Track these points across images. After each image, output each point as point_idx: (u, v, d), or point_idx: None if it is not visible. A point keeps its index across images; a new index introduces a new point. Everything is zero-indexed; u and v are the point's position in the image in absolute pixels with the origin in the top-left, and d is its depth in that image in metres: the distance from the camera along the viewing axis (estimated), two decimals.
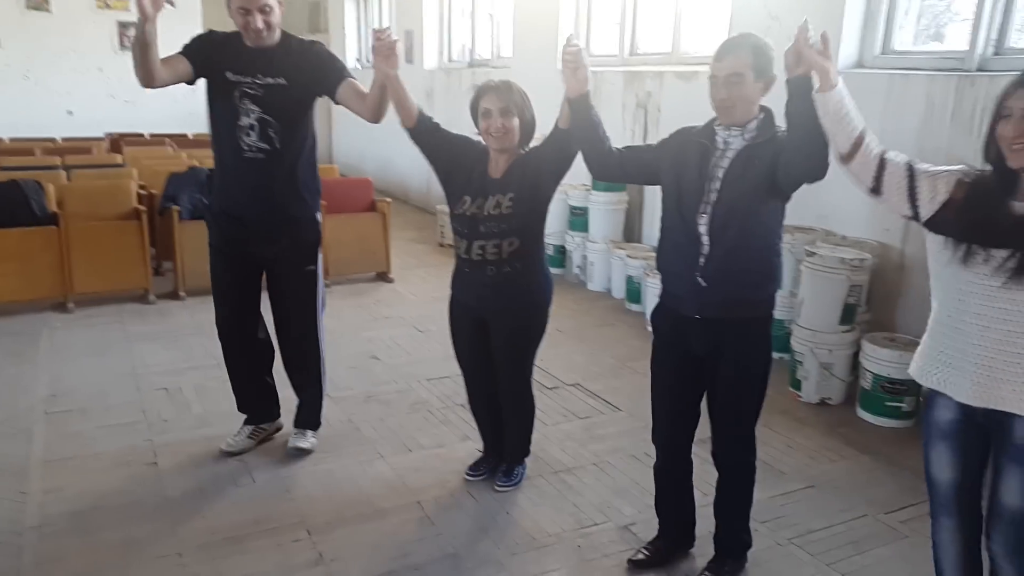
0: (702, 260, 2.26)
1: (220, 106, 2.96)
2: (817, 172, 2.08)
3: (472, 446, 3.38)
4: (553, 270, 6.58)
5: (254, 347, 3.31)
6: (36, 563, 2.57)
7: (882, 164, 1.92)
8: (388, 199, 6.26)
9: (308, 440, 3.35)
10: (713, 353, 2.34)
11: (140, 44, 2.70)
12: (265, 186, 2.99)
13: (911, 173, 1.90)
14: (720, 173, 2.24)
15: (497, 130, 2.69)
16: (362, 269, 6.09)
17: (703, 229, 2.25)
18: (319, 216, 3.19)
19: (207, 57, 2.93)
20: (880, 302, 4.13)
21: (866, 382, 3.76)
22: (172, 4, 10.82)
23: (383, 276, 6.08)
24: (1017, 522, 1.88)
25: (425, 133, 2.81)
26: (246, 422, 3.37)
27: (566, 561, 2.66)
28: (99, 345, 4.53)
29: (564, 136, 2.61)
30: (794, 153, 2.09)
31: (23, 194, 5.06)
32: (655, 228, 4.30)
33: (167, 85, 2.87)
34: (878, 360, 3.69)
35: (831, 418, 3.82)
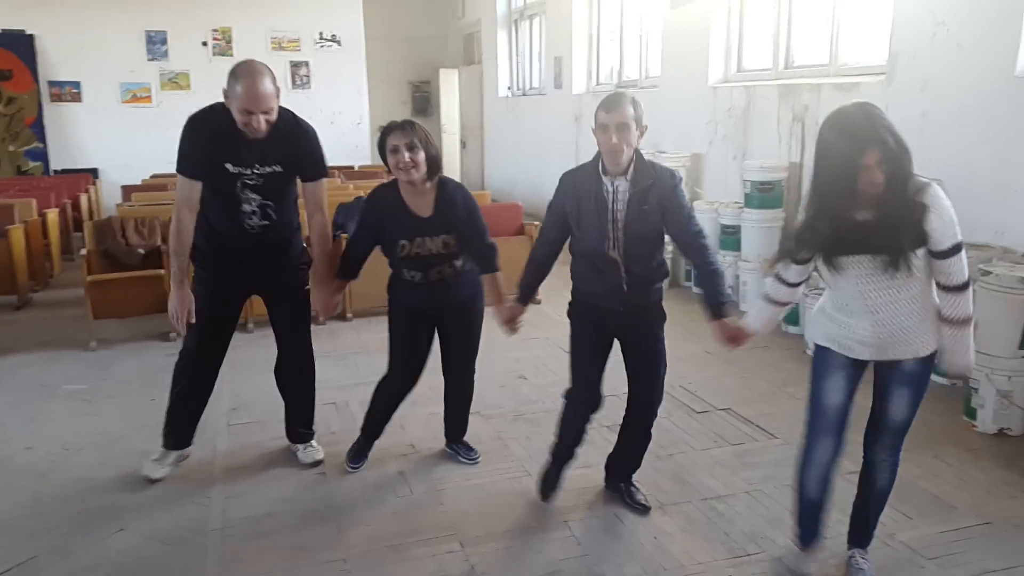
0: (624, 274, 2.77)
1: (222, 194, 3.11)
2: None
3: None
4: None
5: (213, 378, 3.47)
6: (218, 563, 2.83)
7: (771, 299, 2.62)
8: (536, 222, 6.39)
9: (320, 451, 3.58)
10: (627, 331, 2.91)
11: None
12: (268, 248, 3.23)
13: (779, 276, 2.55)
14: (620, 216, 2.72)
15: (405, 164, 2.96)
16: (510, 291, 6.21)
17: (616, 255, 2.75)
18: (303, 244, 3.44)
19: (208, 159, 3.06)
20: None
21: None
22: (339, 43, 11.67)
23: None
24: (898, 430, 2.47)
25: (362, 259, 3.27)
26: (173, 447, 3.47)
27: None
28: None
29: (489, 252, 3.26)
30: (687, 255, 2.92)
31: None
32: None
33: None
34: None
35: (1011, 450, 3.52)
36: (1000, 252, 4.04)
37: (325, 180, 3.28)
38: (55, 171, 10.95)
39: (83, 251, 5.52)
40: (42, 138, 11.02)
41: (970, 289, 2.29)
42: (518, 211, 6.44)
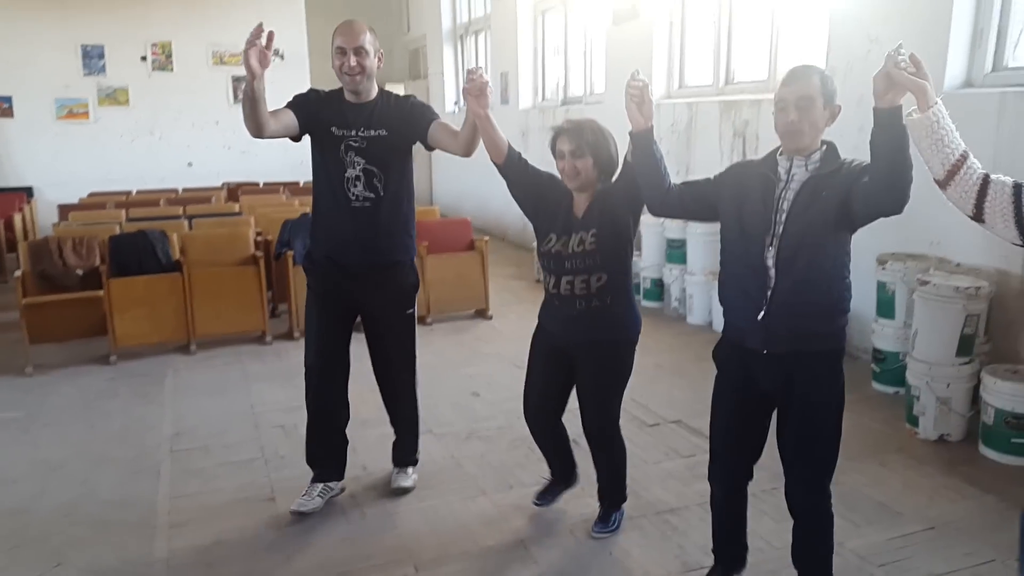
0: (769, 292, 2.22)
1: (327, 159, 3.11)
2: (897, 206, 2.02)
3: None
4: (650, 304, 6.59)
5: (340, 399, 3.32)
6: None
7: (984, 189, 1.81)
8: (486, 237, 6.39)
9: (410, 478, 3.44)
10: (782, 390, 2.29)
11: (250, 99, 2.86)
12: (372, 234, 3.11)
13: (1018, 197, 1.78)
14: (786, 205, 2.21)
15: (570, 171, 2.73)
16: (462, 307, 6.22)
17: (770, 262, 2.21)
18: (415, 261, 3.31)
19: (312, 112, 3.10)
20: (1001, 332, 3.91)
21: (988, 417, 3.56)
22: (281, 57, 11.51)
23: (482, 313, 6.20)
24: None
25: (514, 169, 2.84)
26: (315, 479, 3.30)
27: None
28: (219, 385, 4.79)
29: (632, 170, 2.59)
30: (875, 184, 2.03)
31: (150, 243, 5.45)
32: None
33: (275, 137, 3.01)
34: (1000, 394, 3.49)
35: (951, 455, 3.63)
36: (936, 262, 4.18)
37: (441, 121, 3.10)
38: None
39: (17, 273, 5.32)
40: None
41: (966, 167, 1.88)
42: (467, 226, 6.43)
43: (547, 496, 3.20)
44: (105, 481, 3.58)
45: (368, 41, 3.07)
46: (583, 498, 3.27)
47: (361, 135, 3.08)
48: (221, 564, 2.90)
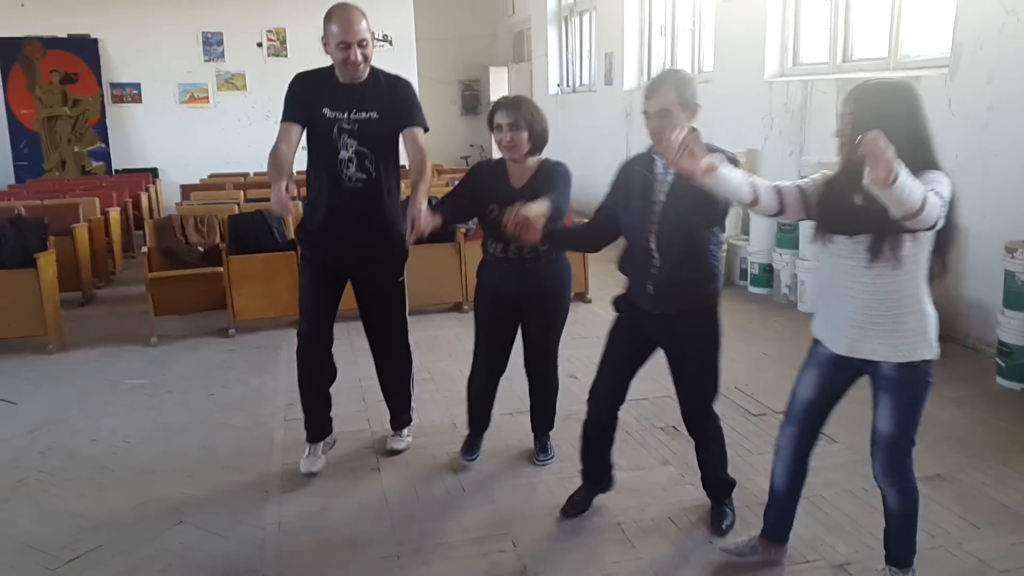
0: (654, 270, 2.65)
1: (320, 141, 3.20)
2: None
3: (672, 471, 3.36)
4: (758, 290, 6.43)
5: (330, 363, 3.50)
6: (276, 556, 2.87)
7: (780, 192, 2.30)
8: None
9: (404, 440, 3.63)
10: (668, 340, 2.77)
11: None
12: (367, 214, 3.24)
13: (801, 189, 2.32)
14: (662, 197, 2.61)
15: (508, 142, 3.05)
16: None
17: (653, 246, 2.63)
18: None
19: (307, 104, 3.19)
20: None
21: None
22: (390, 43, 11.75)
23: (581, 296, 6.17)
24: (887, 445, 2.32)
25: (455, 212, 3.30)
26: (314, 439, 3.49)
27: None
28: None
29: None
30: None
31: (266, 223, 5.68)
32: None
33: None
34: None
35: None
36: None
37: (422, 130, 3.26)
38: (117, 171, 11.27)
39: (144, 249, 5.66)
40: (104, 139, 11.35)
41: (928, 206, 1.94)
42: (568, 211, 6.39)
43: (474, 452, 3.49)
44: (223, 446, 3.78)
45: (366, 28, 3.11)
46: (682, 485, 3.23)
47: (353, 117, 3.15)
48: (328, 530, 3.02)
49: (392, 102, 3.22)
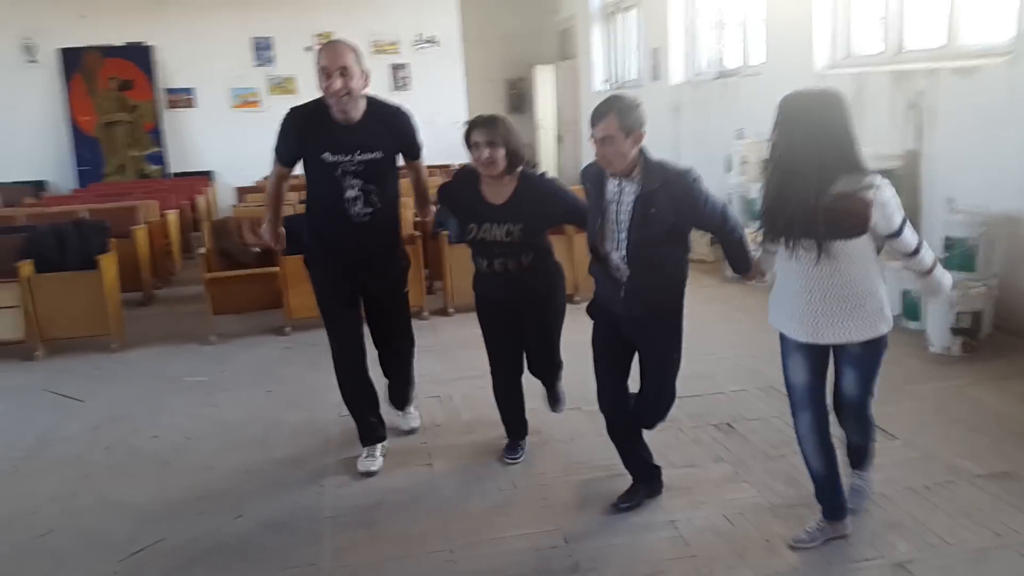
0: (624, 279, 2.79)
1: (323, 183, 3.23)
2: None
3: (727, 468, 3.32)
4: None
5: (366, 381, 3.55)
6: (332, 550, 2.92)
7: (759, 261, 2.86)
8: None
9: (416, 417, 3.86)
10: (639, 338, 2.92)
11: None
12: (373, 241, 3.32)
13: (762, 248, 2.77)
14: (624, 217, 2.74)
15: (487, 160, 3.07)
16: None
17: (623, 260, 2.78)
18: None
19: (299, 145, 3.22)
20: None
21: None
22: (437, 44, 11.84)
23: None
24: (854, 404, 2.68)
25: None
26: (372, 442, 3.55)
27: None
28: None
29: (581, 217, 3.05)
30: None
31: None
32: (934, 235, 3.97)
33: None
34: None
35: None
36: None
37: (418, 162, 3.46)
38: (173, 174, 11.56)
39: (201, 250, 5.81)
40: (160, 143, 11.65)
41: (923, 250, 2.55)
42: None
43: (516, 452, 3.53)
44: (279, 442, 3.86)
45: (352, 61, 3.09)
46: (736, 482, 3.20)
47: (359, 159, 3.17)
48: (381, 524, 3.07)
49: (394, 137, 3.28)
